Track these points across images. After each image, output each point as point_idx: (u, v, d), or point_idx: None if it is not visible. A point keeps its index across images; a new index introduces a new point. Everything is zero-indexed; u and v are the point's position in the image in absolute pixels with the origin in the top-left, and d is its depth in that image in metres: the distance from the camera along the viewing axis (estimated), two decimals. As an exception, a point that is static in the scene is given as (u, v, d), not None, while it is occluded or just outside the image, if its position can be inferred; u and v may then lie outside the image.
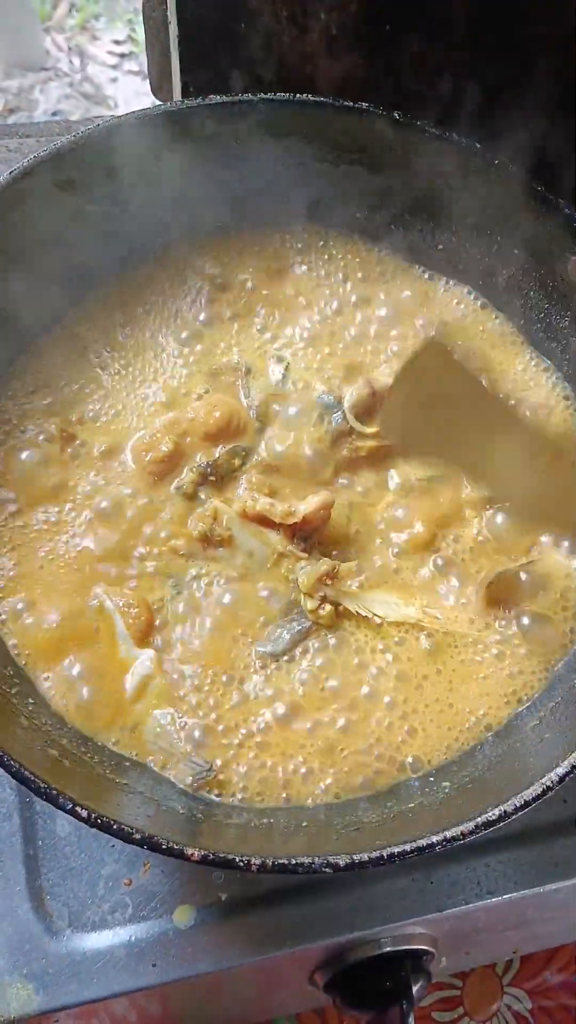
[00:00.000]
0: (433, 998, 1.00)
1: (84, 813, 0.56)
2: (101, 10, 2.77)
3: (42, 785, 0.56)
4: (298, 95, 0.79)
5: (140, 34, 2.57)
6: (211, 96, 0.79)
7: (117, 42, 2.75)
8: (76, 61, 2.70)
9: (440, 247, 0.86)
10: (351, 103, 0.79)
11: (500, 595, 0.75)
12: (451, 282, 0.86)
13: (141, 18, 1.00)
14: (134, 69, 2.67)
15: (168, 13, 0.93)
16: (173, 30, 0.93)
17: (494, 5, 0.93)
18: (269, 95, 0.79)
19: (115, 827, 0.56)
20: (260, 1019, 0.97)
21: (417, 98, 0.94)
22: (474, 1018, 1.01)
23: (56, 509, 0.75)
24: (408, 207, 0.85)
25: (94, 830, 0.56)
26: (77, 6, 2.77)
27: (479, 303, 0.85)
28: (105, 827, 0.56)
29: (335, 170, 0.84)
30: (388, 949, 0.75)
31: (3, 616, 0.71)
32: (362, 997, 0.77)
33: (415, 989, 0.77)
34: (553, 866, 0.77)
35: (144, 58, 1.03)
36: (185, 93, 0.97)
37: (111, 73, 2.69)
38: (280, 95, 0.79)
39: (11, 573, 0.73)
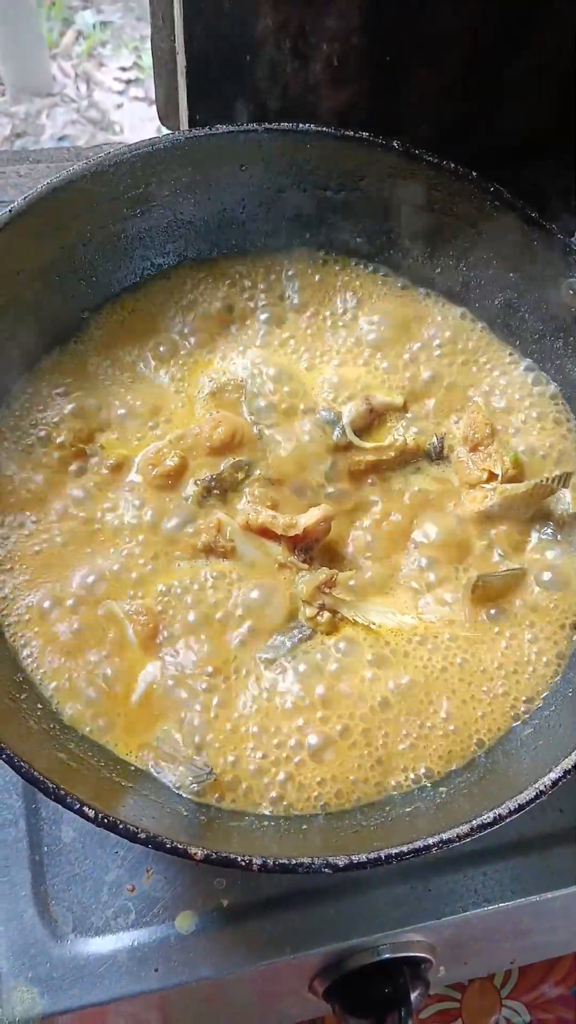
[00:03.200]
0: (432, 1010, 1.01)
1: (91, 813, 0.58)
2: (108, 37, 2.82)
3: (51, 786, 0.58)
4: (300, 125, 0.82)
5: (146, 61, 2.63)
6: (217, 126, 0.81)
7: (123, 68, 2.80)
8: (83, 87, 2.75)
9: (438, 271, 0.88)
10: (352, 132, 0.82)
11: (486, 596, 0.77)
12: (448, 303, 0.89)
13: (148, 45, 1.04)
14: (140, 95, 2.72)
15: (176, 44, 0.97)
16: (181, 61, 0.96)
17: (492, 36, 0.96)
18: (273, 125, 0.82)
19: (121, 827, 0.57)
20: (260, 1028, 0.98)
21: (417, 124, 0.98)
22: (472, 1030, 1.01)
23: (63, 522, 0.77)
24: (407, 233, 0.87)
25: (99, 836, 0.58)
26: (84, 34, 2.82)
27: (477, 326, 0.88)
28: (111, 826, 0.57)
29: (336, 196, 0.86)
30: (387, 956, 0.76)
31: (13, 621, 0.73)
32: (361, 1004, 0.78)
33: (413, 996, 0.77)
34: (550, 875, 0.78)
35: (150, 84, 1.07)
36: (192, 122, 1.00)
37: (117, 99, 2.74)
38: (284, 125, 0.82)
39: (21, 579, 0.75)
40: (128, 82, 2.81)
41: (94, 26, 2.87)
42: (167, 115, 1.11)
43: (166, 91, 1.07)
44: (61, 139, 2.67)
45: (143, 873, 0.76)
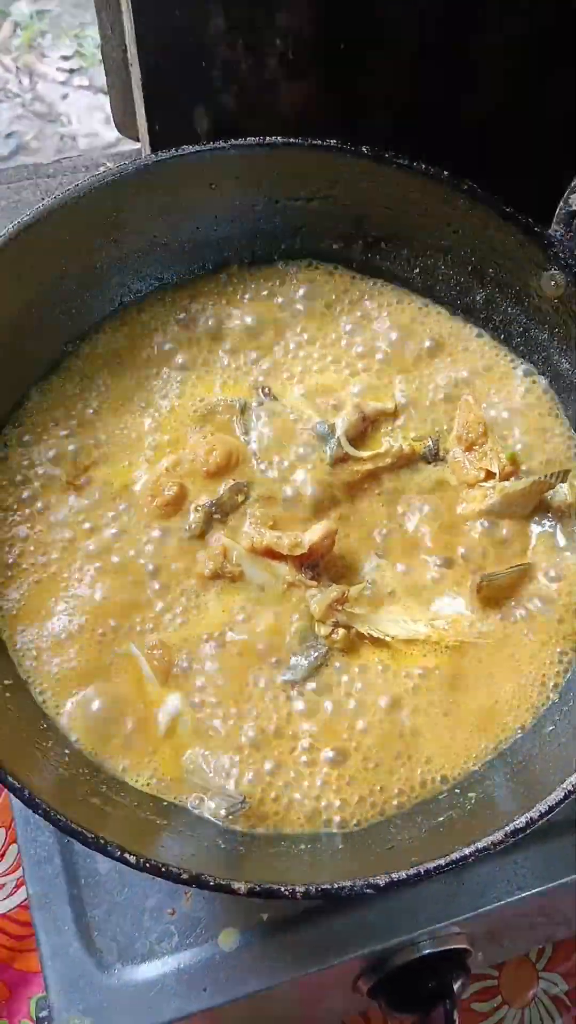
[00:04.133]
0: (472, 990, 1.03)
1: (132, 859, 0.58)
2: (47, 27, 2.75)
3: (90, 836, 0.59)
4: (267, 138, 0.81)
5: (87, 48, 2.57)
6: (184, 147, 0.80)
7: (65, 58, 2.73)
8: (25, 80, 2.69)
9: (417, 271, 0.88)
10: (319, 141, 0.81)
11: (493, 595, 0.78)
12: (430, 303, 0.88)
13: (88, 33, 1.01)
14: (84, 84, 2.66)
15: (128, 56, 0.95)
16: (135, 73, 0.95)
17: (444, 19, 0.95)
18: (240, 141, 0.81)
19: (163, 870, 0.58)
20: (307, 1027, 1.00)
21: (376, 112, 0.97)
22: (512, 1006, 1.04)
23: (65, 557, 0.77)
24: (384, 236, 0.87)
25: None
26: (22, 25, 2.75)
27: (461, 323, 0.88)
28: (154, 871, 0.58)
29: (309, 205, 0.85)
30: (427, 951, 0.78)
31: (31, 668, 0.73)
32: (406, 1000, 0.79)
33: (456, 987, 0.79)
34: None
35: (94, 72, 1.05)
36: (151, 133, 0.99)
37: (62, 90, 2.67)
38: (250, 140, 0.81)
39: (33, 625, 0.75)
40: (71, 71, 2.75)
41: (31, 16, 2.79)
42: (125, 125, 1.09)
43: (122, 101, 1.06)
44: (9, 136, 2.61)
45: (182, 896, 0.77)
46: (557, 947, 1.05)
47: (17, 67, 2.70)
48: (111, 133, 1.11)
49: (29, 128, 2.62)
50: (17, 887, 1.05)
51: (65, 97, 2.68)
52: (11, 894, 1.05)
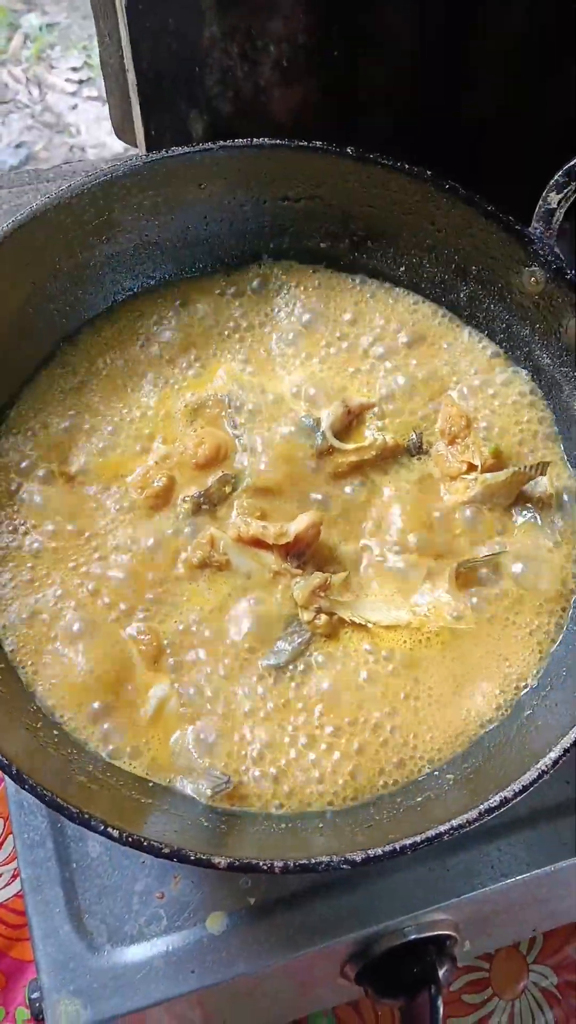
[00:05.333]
0: (462, 982, 1.04)
1: (115, 833, 0.60)
2: (56, 39, 2.80)
3: (74, 811, 0.60)
4: (255, 140, 0.83)
5: (95, 59, 2.60)
6: (174, 148, 0.82)
7: (74, 69, 2.77)
8: (35, 91, 2.72)
9: (403, 269, 0.90)
10: (306, 143, 0.83)
11: (471, 581, 0.79)
12: (416, 300, 0.90)
13: (95, 44, 1.04)
14: (93, 95, 2.70)
15: (124, 62, 0.97)
16: (131, 79, 0.97)
17: (440, 24, 0.97)
18: (228, 142, 0.83)
19: (145, 844, 0.60)
20: (297, 1016, 1.01)
21: (373, 116, 0.98)
22: (502, 998, 1.04)
23: (54, 543, 0.79)
24: (369, 234, 0.88)
25: (124, 849, 0.60)
26: (31, 37, 2.79)
27: (445, 319, 0.89)
28: (136, 844, 0.60)
29: (296, 205, 0.87)
30: (413, 937, 0.79)
31: (19, 650, 0.75)
32: (392, 985, 0.80)
33: (442, 973, 0.80)
34: (561, 845, 0.80)
35: (103, 83, 1.07)
36: (148, 138, 1.01)
37: (71, 100, 2.71)
38: (239, 141, 0.83)
39: (18, 609, 0.77)
40: (80, 82, 2.79)
41: (40, 28, 2.83)
42: (123, 130, 1.12)
43: (120, 106, 1.08)
44: (19, 146, 2.65)
45: (170, 880, 0.78)
46: (547, 939, 1.06)
47: (27, 78, 2.74)
48: (119, 143, 1.13)
49: (38, 138, 2.66)
50: (14, 877, 1.07)
51: (74, 108, 2.72)
52: (7, 884, 1.06)
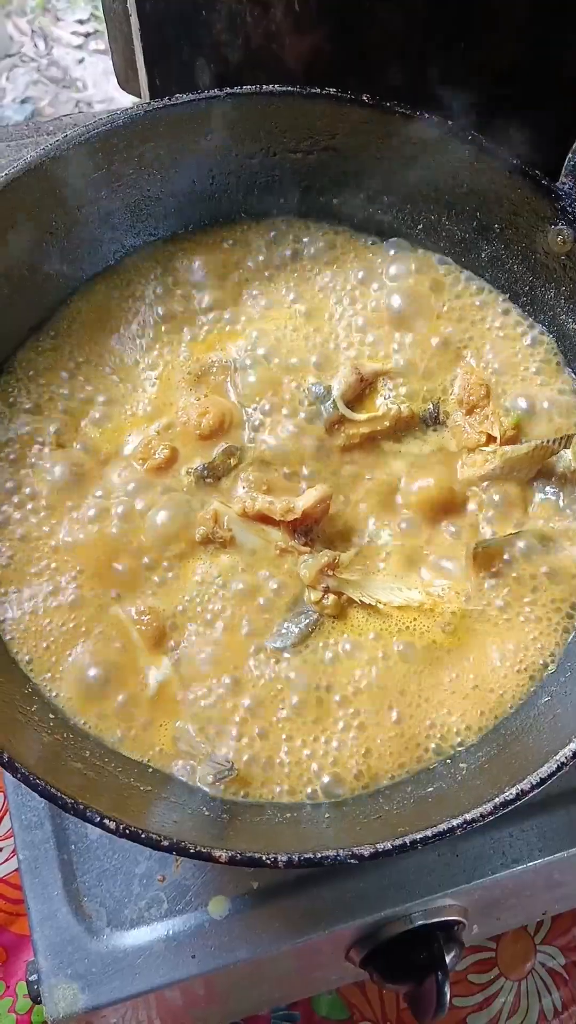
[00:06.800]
0: (468, 961, 1.03)
1: (112, 825, 0.57)
2: (61, -10, 2.71)
3: (69, 801, 0.58)
4: (264, 87, 0.78)
5: (102, 11, 2.53)
6: (177, 96, 0.78)
7: (80, 22, 2.70)
8: (41, 44, 2.65)
9: (420, 227, 0.85)
10: (319, 90, 0.78)
11: (489, 562, 0.75)
12: (434, 260, 0.86)
13: None
14: (100, 48, 2.63)
15: (128, 5, 0.92)
16: (134, 23, 0.92)
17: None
18: (235, 89, 0.78)
19: (143, 836, 0.57)
20: (302, 996, 1.00)
21: (386, 67, 0.93)
22: (509, 978, 1.03)
23: (53, 521, 0.76)
24: (385, 190, 0.84)
25: (124, 834, 0.58)
26: (36, -13, 2.71)
27: (465, 281, 0.85)
28: (133, 837, 0.57)
29: (308, 158, 0.83)
30: (420, 923, 0.77)
31: (14, 631, 0.72)
32: (398, 971, 0.79)
33: (448, 959, 0.78)
34: (574, 831, 0.78)
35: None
36: (152, 88, 0.96)
37: (77, 54, 2.64)
38: (246, 88, 0.78)
39: (18, 587, 0.74)
40: (87, 35, 2.71)
41: (45, -23, 2.75)
42: (127, 80, 1.07)
43: (123, 55, 1.03)
44: (24, 101, 2.59)
45: (172, 863, 0.76)
46: (555, 920, 1.04)
47: (32, 30, 2.66)
48: (128, 98, 1.08)
49: (44, 93, 2.59)
50: (13, 852, 1.05)
51: (80, 62, 2.64)
52: (7, 859, 1.05)
